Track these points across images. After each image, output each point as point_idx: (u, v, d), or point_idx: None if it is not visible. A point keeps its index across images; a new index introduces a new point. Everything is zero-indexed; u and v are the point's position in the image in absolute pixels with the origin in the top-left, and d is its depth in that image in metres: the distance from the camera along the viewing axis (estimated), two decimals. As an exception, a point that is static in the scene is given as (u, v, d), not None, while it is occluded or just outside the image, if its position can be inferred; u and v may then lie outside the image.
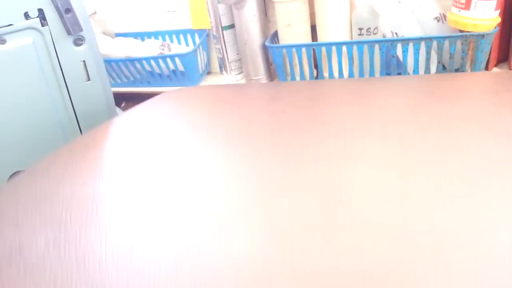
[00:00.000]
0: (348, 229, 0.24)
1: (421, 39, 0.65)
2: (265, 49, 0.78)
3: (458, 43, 0.65)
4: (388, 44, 0.68)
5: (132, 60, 0.86)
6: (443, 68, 0.69)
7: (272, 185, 0.29)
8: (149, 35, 0.95)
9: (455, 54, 0.66)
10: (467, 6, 0.62)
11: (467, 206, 0.25)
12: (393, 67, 0.71)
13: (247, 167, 0.32)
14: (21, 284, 0.25)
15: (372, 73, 0.71)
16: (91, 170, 0.37)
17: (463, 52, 0.65)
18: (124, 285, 0.23)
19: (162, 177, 0.33)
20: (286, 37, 0.75)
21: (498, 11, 0.62)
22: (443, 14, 0.68)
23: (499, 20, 0.63)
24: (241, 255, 0.24)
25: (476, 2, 0.61)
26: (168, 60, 0.84)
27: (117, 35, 0.96)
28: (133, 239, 0.27)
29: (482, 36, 0.63)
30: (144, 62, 0.86)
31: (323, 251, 0.23)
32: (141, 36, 0.95)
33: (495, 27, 0.63)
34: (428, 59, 0.67)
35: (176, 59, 0.84)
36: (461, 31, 0.64)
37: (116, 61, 0.86)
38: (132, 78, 0.90)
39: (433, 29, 0.68)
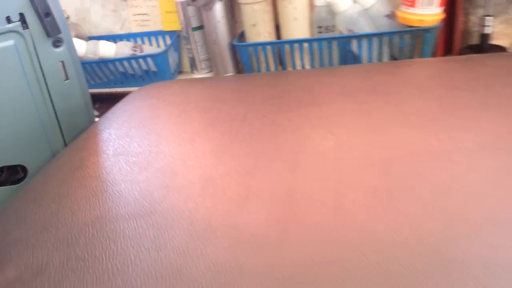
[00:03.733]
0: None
1: (373, 35, 0.72)
2: (233, 48, 0.83)
3: (407, 38, 0.71)
4: (344, 40, 0.74)
5: (105, 62, 0.89)
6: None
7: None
8: (121, 37, 0.98)
9: (404, 48, 0.73)
10: (413, 3, 0.69)
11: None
12: (350, 61, 0.77)
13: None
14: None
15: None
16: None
17: (411, 45, 0.72)
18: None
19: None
20: (252, 36, 0.80)
21: (442, 8, 0.69)
22: (393, 12, 0.74)
23: (442, 15, 0.70)
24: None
25: (422, 0, 0.68)
26: (141, 60, 0.88)
27: (90, 38, 0.99)
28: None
29: (428, 30, 0.70)
30: (117, 63, 0.89)
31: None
32: (113, 39, 0.98)
33: (439, 22, 0.70)
34: (380, 53, 0.74)
35: (149, 59, 0.88)
36: (409, 26, 0.71)
37: (90, 63, 0.90)
38: (105, 79, 0.94)
39: (385, 25, 0.74)
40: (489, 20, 0.73)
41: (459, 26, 0.77)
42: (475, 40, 0.79)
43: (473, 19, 0.79)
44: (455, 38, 0.76)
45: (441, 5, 0.68)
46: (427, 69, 0.50)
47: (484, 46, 0.75)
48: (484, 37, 0.75)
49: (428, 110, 0.38)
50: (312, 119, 0.41)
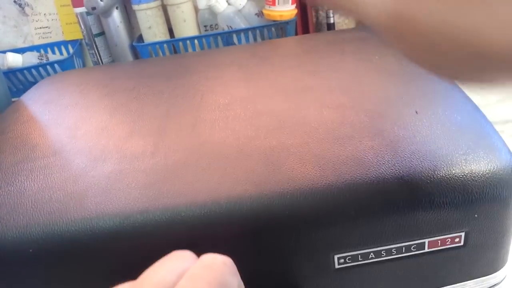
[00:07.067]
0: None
1: (248, 29, 0.91)
2: (133, 48, 0.97)
3: (273, 30, 0.92)
4: (226, 35, 0.92)
5: (14, 71, 0.97)
6: (267, 49, 0.96)
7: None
8: (25, 50, 1.06)
9: (272, 38, 0.93)
10: (273, 3, 0.89)
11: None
12: (233, 51, 0.95)
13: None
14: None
15: (219, 58, 0.95)
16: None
17: (277, 36, 0.92)
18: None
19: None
20: (149, 37, 0.95)
21: (295, 5, 0.91)
22: (261, 11, 0.95)
23: (296, 11, 0.91)
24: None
25: (279, 0, 0.89)
26: (49, 68, 0.98)
27: (-7, 52, 1.05)
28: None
29: (287, 23, 0.91)
30: (25, 72, 0.98)
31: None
32: (17, 52, 1.05)
33: (294, 16, 0.91)
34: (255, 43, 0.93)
35: (56, 65, 0.98)
36: (273, 21, 0.92)
37: (-2, 74, 0.97)
38: (14, 89, 1.01)
39: (255, 21, 0.94)
40: (330, 13, 0.97)
41: (312, 19, 0.99)
42: (324, 29, 1.02)
43: (322, 13, 1.03)
44: (310, 28, 0.99)
45: (293, 3, 0.90)
46: (288, 42, 0.70)
47: (331, 33, 0.98)
48: (330, 26, 0.98)
49: (280, 64, 0.57)
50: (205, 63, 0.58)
